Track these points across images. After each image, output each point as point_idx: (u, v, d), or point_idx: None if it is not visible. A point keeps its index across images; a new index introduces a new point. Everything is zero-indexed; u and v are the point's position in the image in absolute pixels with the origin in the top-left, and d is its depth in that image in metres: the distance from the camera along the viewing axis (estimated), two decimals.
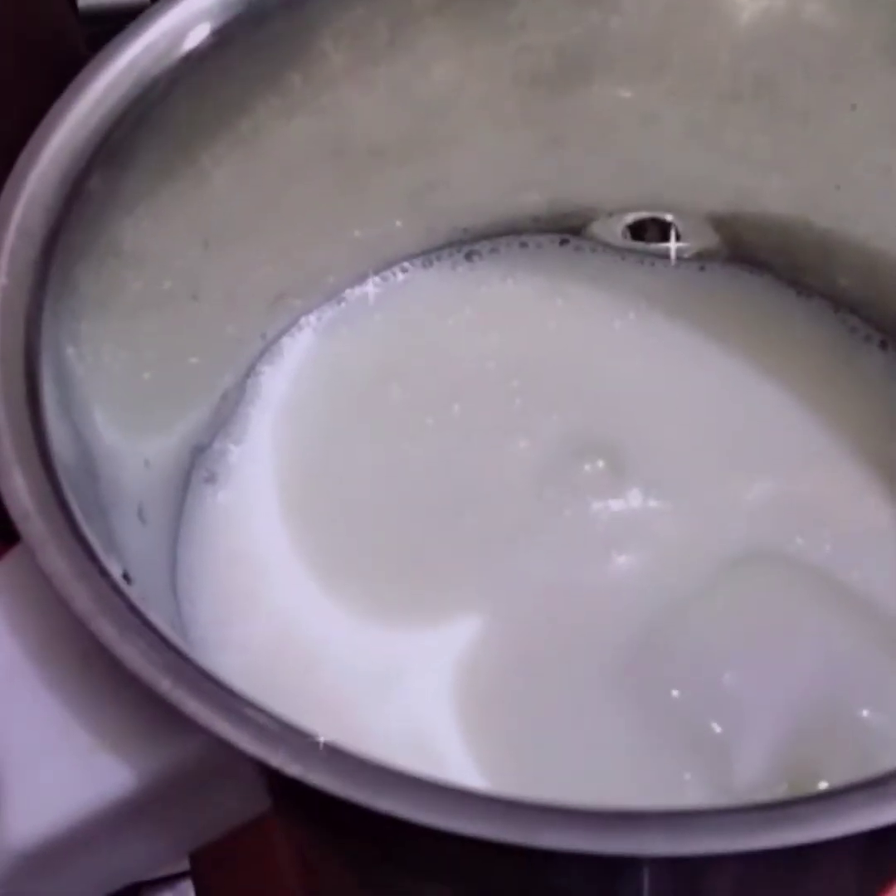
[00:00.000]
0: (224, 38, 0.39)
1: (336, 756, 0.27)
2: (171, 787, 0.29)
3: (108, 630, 0.28)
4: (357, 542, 0.43)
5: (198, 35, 0.38)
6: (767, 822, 0.25)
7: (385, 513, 0.44)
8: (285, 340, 0.47)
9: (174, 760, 0.29)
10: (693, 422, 0.46)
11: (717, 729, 0.38)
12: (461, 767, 0.39)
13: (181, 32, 0.38)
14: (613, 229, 0.50)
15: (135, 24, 0.38)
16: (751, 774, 0.38)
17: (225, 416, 0.45)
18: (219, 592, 0.42)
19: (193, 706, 0.27)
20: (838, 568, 0.41)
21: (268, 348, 0.47)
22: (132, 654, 0.28)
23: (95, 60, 0.37)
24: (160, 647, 0.28)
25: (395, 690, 0.41)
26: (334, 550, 0.43)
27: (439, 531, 0.44)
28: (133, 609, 0.29)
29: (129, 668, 0.28)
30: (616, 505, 0.44)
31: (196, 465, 0.44)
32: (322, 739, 0.27)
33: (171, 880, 0.51)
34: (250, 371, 0.46)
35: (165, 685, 0.28)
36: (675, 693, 0.39)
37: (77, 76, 0.37)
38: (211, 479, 0.44)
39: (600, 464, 0.44)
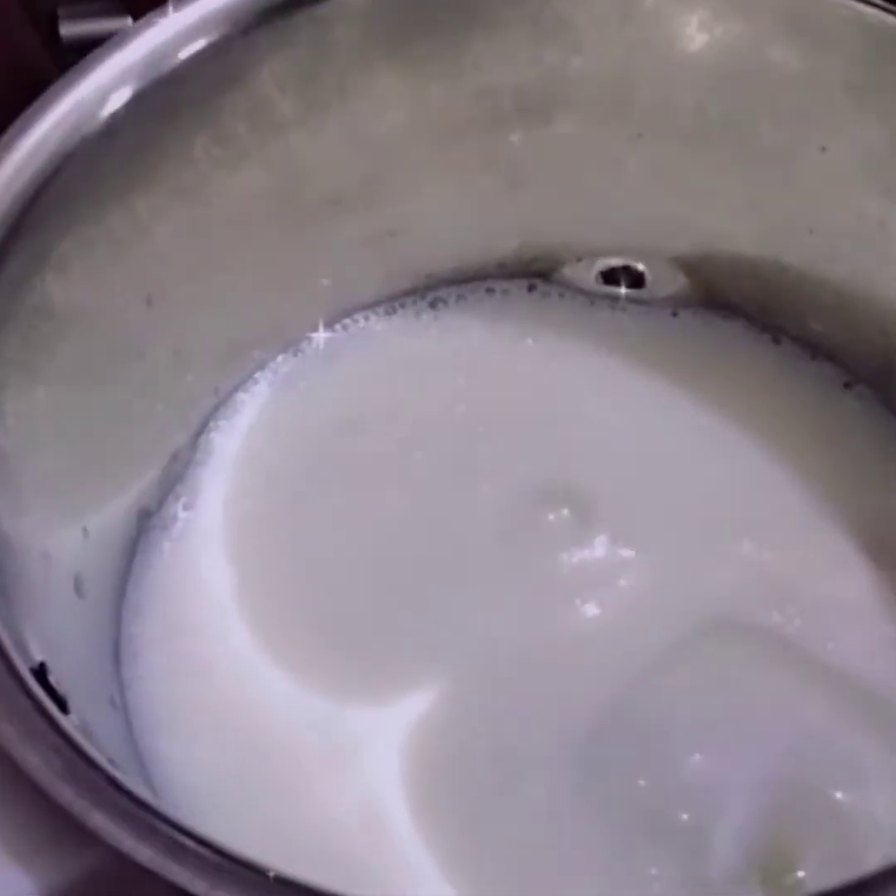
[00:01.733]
0: (158, 89, 0.37)
1: (243, 872, 0.25)
2: None
3: (9, 733, 0.27)
4: (312, 610, 0.42)
5: (126, 91, 0.36)
6: None
7: (342, 577, 0.43)
8: (240, 395, 0.46)
9: (81, 872, 0.27)
10: (663, 471, 0.44)
11: (685, 817, 0.36)
12: (413, 851, 0.38)
13: (111, 86, 0.37)
14: (583, 274, 0.48)
15: (63, 81, 0.36)
16: (723, 864, 0.36)
17: (175, 476, 0.44)
18: (164, 668, 0.40)
19: (97, 819, 0.26)
20: (811, 640, 0.40)
21: (221, 404, 0.45)
22: (33, 760, 0.26)
23: (21, 120, 0.35)
24: (65, 752, 0.27)
25: (348, 767, 0.39)
26: (288, 620, 0.42)
27: (398, 594, 0.42)
28: (40, 710, 0.28)
29: (29, 775, 0.26)
30: (582, 555, 0.42)
31: (142, 531, 0.42)
32: (231, 852, 0.25)
33: None
34: (203, 428, 0.45)
35: (67, 795, 0.26)
36: (641, 782, 0.37)
37: (1, 137, 0.35)
38: (157, 544, 0.42)
39: (566, 512, 0.43)
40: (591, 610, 0.41)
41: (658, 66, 0.42)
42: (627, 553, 0.42)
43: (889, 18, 0.38)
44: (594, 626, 0.41)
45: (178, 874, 0.25)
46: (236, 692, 0.40)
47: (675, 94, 0.42)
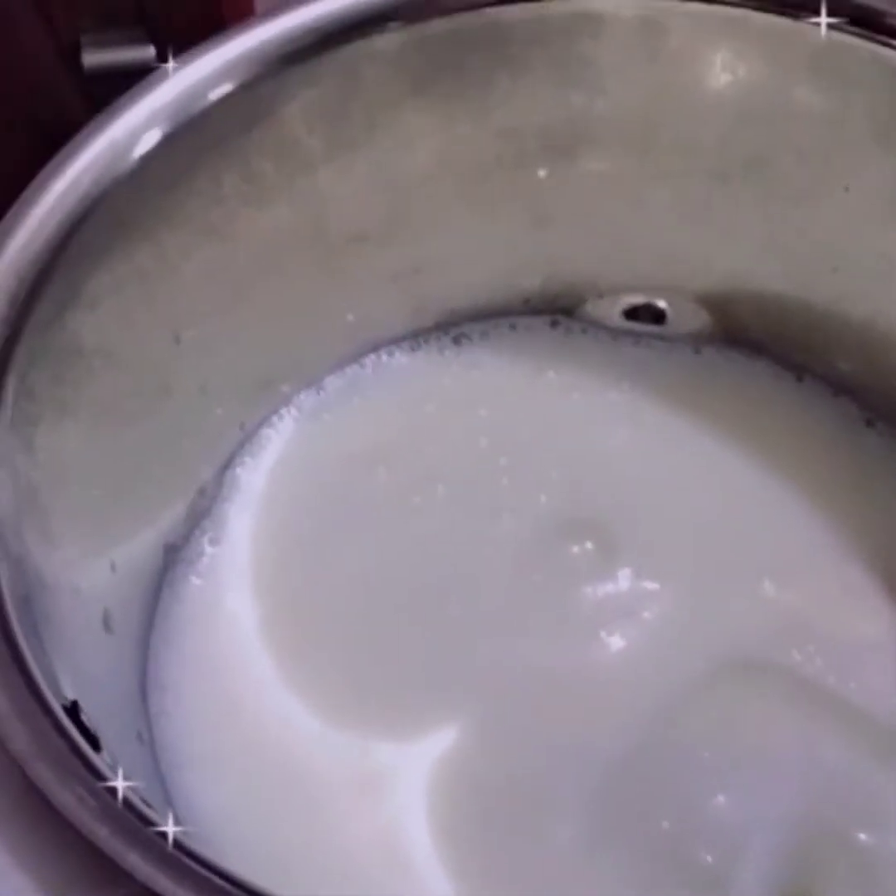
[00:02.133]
0: (188, 130, 0.38)
1: None
2: None
3: (45, 774, 0.27)
4: (337, 644, 0.42)
5: (156, 132, 0.37)
6: None
7: (367, 610, 0.43)
8: (265, 431, 0.46)
9: None
10: (685, 507, 0.44)
11: (709, 859, 0.36)
12: (435, 884, 0.38)
13: (142, 127, 0.37)
14: (607, 311, 0.48)
15: (95, 123, 0.36)
16: None
17: (201, 511, 0.44)
18: (191, 702, 0.41)
19: (132, 860, 0.26)
20: (831, 679, 0.40)
21: (247, 439, 0.46)
22: (67, 799, 0.27)
23: (53, 162, 0.36)
24: (99, 790, 0.27)
25: (372, 801, 0.40)
26: (313, 655, 0.42)
27: (422, 628, 0.42)
28: (74, 749, 0.28)
29: (65, 816, 0.26)
30: (606, 588, 0.42)
31: (169, 565, 0.43)
32: (266, 892, 0.26)
33: None
34: (229, 463, 0.45)
35: (103, 835, 0.26)
36: (664, 824, 0.37)
37: (34, 179, 0.35)
38: (184, 579, 0.43)
39: (589, 545, 0.43)
40: (616, 643, 0.41)
41: (682, 106, 0.42)
42: (651, 586, 0.42)
43: None
44: (618, 659, 0.41)
45: None
46: (262, 726, 0.40)
47: (699, 134, 0.43)
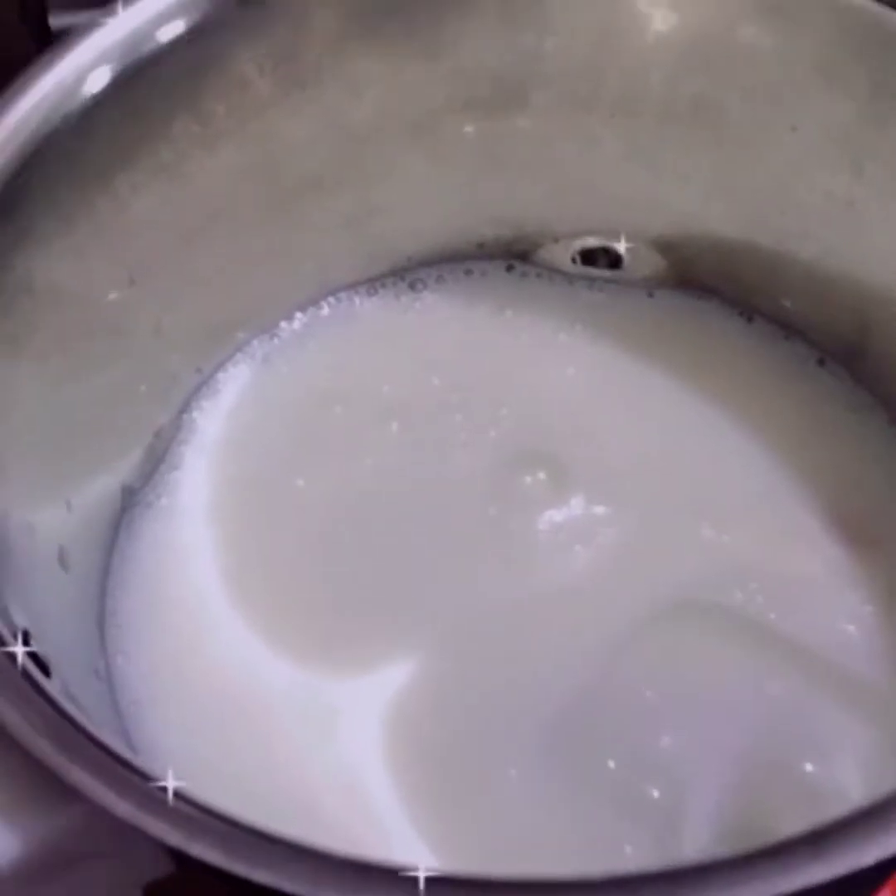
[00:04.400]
0: (138, 69, 0.38)
1: (219, 825, 0.26)
2: (62, 854, 0.28)
3: None
4: (293, 582, 0.42)
5: (105, 71, 0.37)
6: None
7: (323, 548, 0.43)
8: (221, 375, 0.46)
9: (62, 827, 0.28)
10: (636, 442, 0.45)
11: (656, 794, 0.37)
12: (390, 816, 0.38)
13: (91, 65, 0.37)
14: (561, 255, 0.49)
15: (43, 61, 0.37)
16: (697, 840, 0.36)
17: (158, 454, 0.44)
18: (148, 641, 0.41)
19: (76, 774, 0.26)
20: (775, 615, 0.40)
21: (204, 383, 0.46)
22: (13, 716, 0.27)
23: (2, 98, 0.36)
24: (45, 709, 0.27)
25: (328, 736, 0.40)
26: (269, 592, 0.42)
27: (378, 563, 0.43)
28: (22, 671, 0.28)
29: (9, 731, 0.27)
30: (559, 514, 0.43)
31: (126, 507, 0.43)
32: (207, 805, 0.26)
33: None
34: (185, 407, 0.45)
35: (47, 751, 0.27)
36: (611, 763, 0.38)
37: None
38: (142, 520, 0.43)
39: (541, 475, 0.43)
40: (569, 566, 0.42)
41: (630, 47, 0.42)
42: (603, 511, 0.43)
43: None
44: (569, 590, 0.41)
45: (155, 827, 0.25)
46: (219, 664, 0.41)
47: (647, 74, 0.43)
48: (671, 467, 0.43)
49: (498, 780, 0.38)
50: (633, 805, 0.37)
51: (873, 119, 0.40)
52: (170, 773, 0.27)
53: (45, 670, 0.30)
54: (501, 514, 0.43)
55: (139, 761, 0.27)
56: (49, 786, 0.27)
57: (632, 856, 0.36)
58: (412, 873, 0.24)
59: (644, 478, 0.43)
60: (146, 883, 0.28)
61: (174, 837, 0.25)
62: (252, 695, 0.40)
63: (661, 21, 0.41)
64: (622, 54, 0.43)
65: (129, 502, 0.43)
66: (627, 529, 0.42)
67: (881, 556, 0.41)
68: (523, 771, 0.38)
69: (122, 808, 0.26)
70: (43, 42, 0.46)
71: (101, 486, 0.42)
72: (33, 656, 0.30)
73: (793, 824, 0.36)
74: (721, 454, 0.44)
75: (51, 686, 0.29)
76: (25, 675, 0.28)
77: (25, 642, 0.30)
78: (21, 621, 0.31)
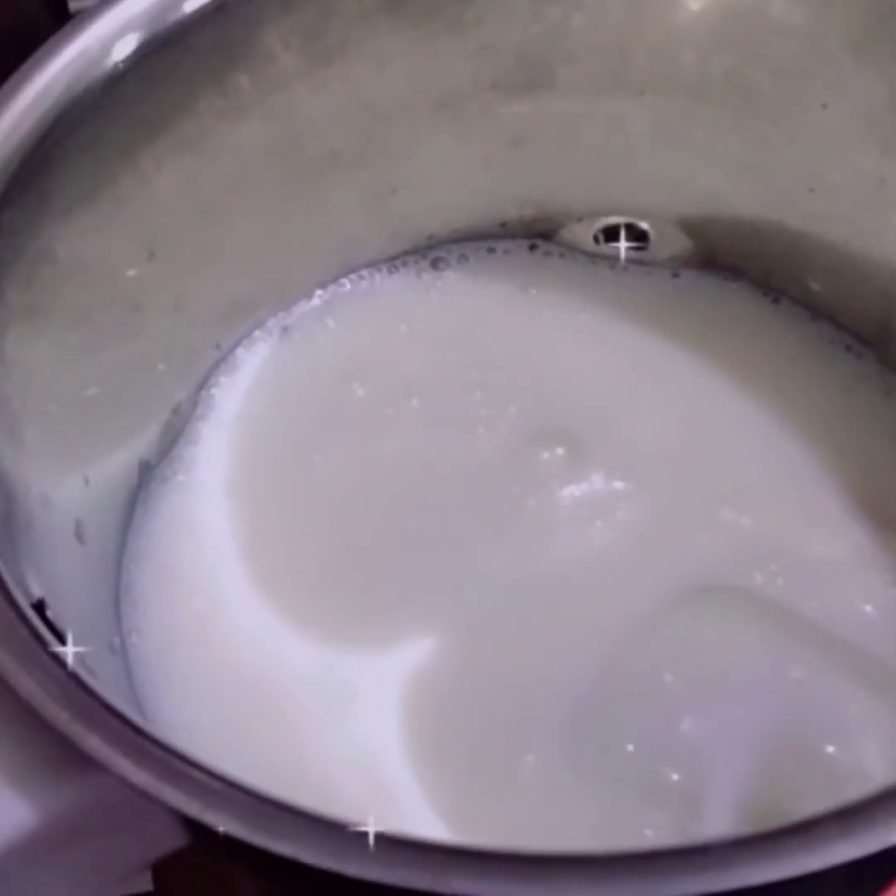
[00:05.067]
0: (162, 40, 0.37)
1: (237, 795, 0.25)
2: (78, 824, 0.28)
3: (6, 658, 0.27)
4: (311, 559, 0.42)
5: (130, 41, 0.36)
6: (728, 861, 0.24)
7: (341, 525, 0.43)
8: (240, 351, 0.46)
9: (78, 797, 0.27)
10: (657, 422, 0.44)
11: (676, 777, 0.37)
12: (409, 797, 0.38)
13: (115, 35, 0.37)
14: (584, 234, 0.48)
15: (67, 29, 0.36)
16: (718, 823, 0.36)
17: (176, 430, 0.44)
18: (164, 616, 0.41)
19: (93, 743, 0.26)
20: (794, 599, 0.40)
21: (222, 359, 0.46)
22: (30, 684, 0.27)
23: (24, 68, 0.36)
24: (61, 677, 0.27)
25: (347, 712, 0.40)
26: (287, 569, 0.42)
27: (398, 540, 0.42)
28: (38, 638, 0.28)
29: (24, 699, 0.26)
30: (579, 489, 0.43)
31: (143, 482, 0.43)
32: (225, 776, 0.26)
33: None
34: (204, 383, 0.45)
35: (64, 719, 0.26)
36: (630, 747, 0.37)
37: (4, 84, 0.35)
38: (158, 496, 0.43)
39: (560, 451, 0.43)
40: (589, 541, 0.42)
41: (659, 24, 0.42)
42: (621, 486, 0.42)
43: None
44: (591, 559, 0.41)
45: (172, 796, 0.25)
46: (236, 642, 0.41)
47: (677, 52, 0.42)
48: (692, 447, 0.43)
49: (516, 762, 0.38)
50: (653, 788, 0.37)
51: None
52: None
53: (62, 640, 0.30)
54: (522, 491, 0.42)
55: (156, 731, 0.26)
56: (65, 755, 0.26)
57: (653, 839, 0.36)
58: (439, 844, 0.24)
59: (664, 457, 0.43)
60: (163, 854, 0.28)
61: (192, 807, 0.25)
62: (268, 673, 0.40)
63: None
64: (651, 31, 0.42)
65: (147, 477, 0.43)
66: (647, 507, 0.42)
67: None
68: (542, 753, 0.38)
69: (140, 776, 0.25)
70: (61, 23, 0.46)
71: (119, 461, 0.42)
72: (50, 625, 0.30)
73: (815, 807, 0.35)
74: (744, 436, 0.44)
75: (67, 655, 0.28)
76: (42, 642, 0.28)
77: (42, 611, 0.30)
78: (38, 591, 0.31)
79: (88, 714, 0.26)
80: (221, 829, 0.24)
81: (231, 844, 0.25)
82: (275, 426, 0.45)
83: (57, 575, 0.35)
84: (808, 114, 0.42)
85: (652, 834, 0.36)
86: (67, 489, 0.38)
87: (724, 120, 0.43)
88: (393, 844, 0.25)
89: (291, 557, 0.42)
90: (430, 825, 0.37)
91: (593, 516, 0.42)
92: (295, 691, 0.40)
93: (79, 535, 0.38)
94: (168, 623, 0.41)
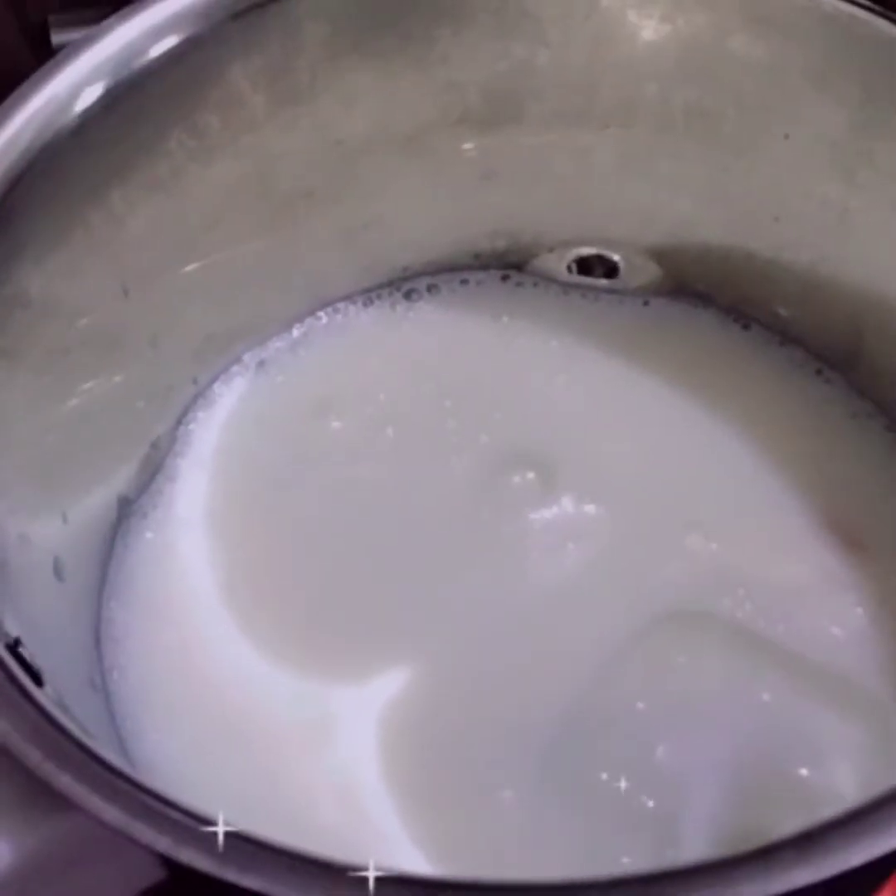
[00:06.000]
0: (131, 85, 0.38)
1: (208, 830, 0.26)
2: (53, 862, 0.28)
3: None
4: (289, 590, 0.43)
5: (99, 87, 0.37)
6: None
7: (319, 557, 0.43)
8: (217, 386, 0.46)
9: (53, 835, 0.28)
10: (629, 447, 0.45)
11: (651, 804, 0.37)
12: (388, 825, 0.38)
13: (84, 81, 0.37)
14: (556, 265, 0.49)
15: (36, 77, 0.37)
16: (694, 849, 0.36)
17: (155, 465, 0.44)
18: (145, 651, 0.41)
19: (64, 781, 0.26)
20: (763, 623, 0.40)
21: (200, 394, 0.46)
22: (2, 724, 0.27)
23: None
24: (34, 717, 0.27)
25: (326, 743, 0.40)
26: (265, 601, 0.42)
27: (374, 571, 0.43)
28: (10, 678, 0.28)
29: None
30: (549, 513, 0.43)
31: (122, 518, 0.43)
32: (196, 811, 0.26)
33: None
34: (182, 418, 0.46)
35: (35, 758, 0.27)
36: (604, 776, 0.38)
37: None
38: (138, 531, 0.43)
39: (530, 475, 0.44)
40: (560, 565, 0.42)
41: (623, 58, 0.43)
42: (591, 509, 0.43)
43: (844, 6, 0.39)
44: (563, 584, 0.42)
45: (143, 833, 0.25)
46: (215, 674, 0.41)
47: (640, 85, 0.43)
48: (662, 472, 0.44)
49: (493, 791, 0.38)
50: (629, 815, 0.37)
51: (865, 126, 0.40)
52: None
53: (37, 679, 0.30)
54: (493, 517, 0.43)
55: (128, 768, 0.27)
56: (39, 794, 0.27)
57: (630, 866, 0.36)
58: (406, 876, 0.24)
59: (634, 482, 0.43)
60: (138, 891, 0.28)
61: (163, 843, 0.25)
62: (248, 705, 0.41)
63: (652, 32, 0.42)
64: (614, 66, 0.43)
65: (125, 513, 0.43)
66: (617, 531, 0.42)
67: (872, 561, 0.41)
68: (518, 782, 0.38)
69: (111, 814, 0.26)
70: (44, 59, 0.47)
71: (97, 498, 0.42)
72: (25, 665, 0.30)
73: (791, 829, 0.36)
74: (713, 460, 0.44)
75: (41, 695, 0.29)
76: (14, 682, 0.28)
77: (16, 651, 0.30)
78: (14, 630, 0.32)
79: (60, 753, 0.27)
80: (192, 864, 0.25)
81: (204, 880, 0.26)
82: (252, 459, 0.45)
83: (36, 613, 0.35)
84: (770, 144, 0.43)
85: (629, 861, 0.37)
86: (45, 527, 0.38)
87: (689, 151, 0.44)
88: (361, 879, 0.25)
89: (270, 590, 0.42)
90: (407, 852, 0.38)
91: (565, 539, 0.42)
92: (274, 723, 0.40)
93: (57, 572, 0.38)
94: (148, 658, 0.41)
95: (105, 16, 0.39)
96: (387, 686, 0.41)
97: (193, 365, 0.46)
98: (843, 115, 0.41)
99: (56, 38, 0.49)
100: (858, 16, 0.39)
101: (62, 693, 0.33)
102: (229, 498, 0.45)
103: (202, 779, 0.39)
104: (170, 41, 0.39)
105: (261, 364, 0.47)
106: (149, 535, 0.43)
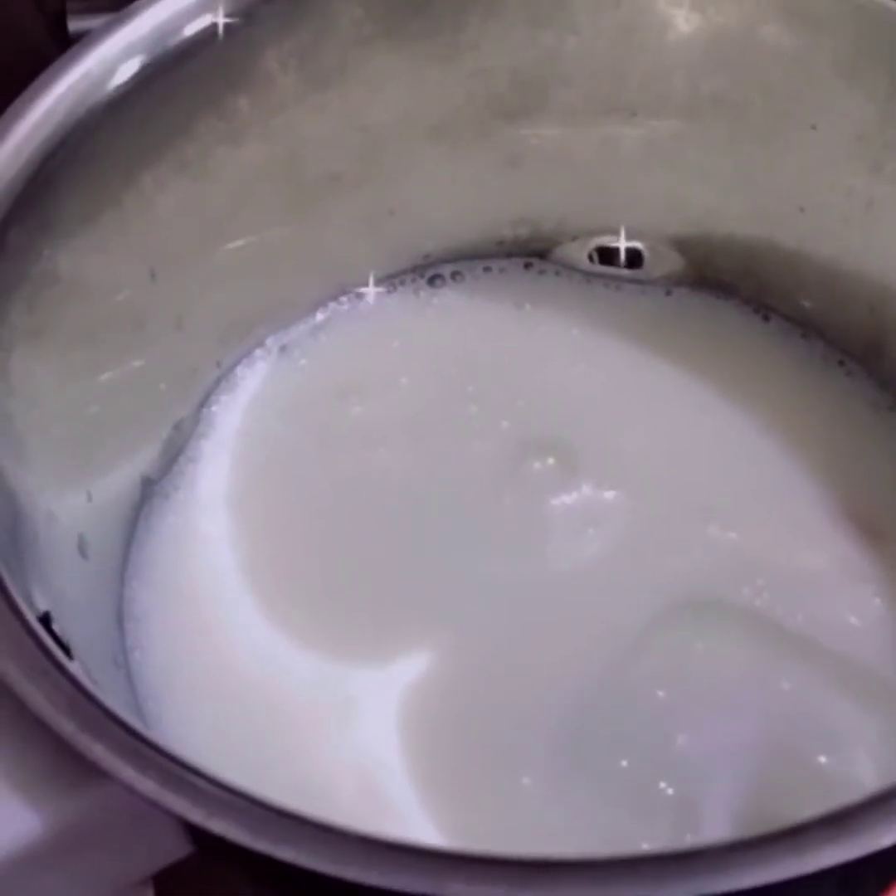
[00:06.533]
0: (163, 64, 0.38)
1: (240, 802, 0.26)
2: (83, 833, 0.28)
3: (12, 670, 0.28)
4: (311, 572, 0.43)
5: (132, 65, 0.37)
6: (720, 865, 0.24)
7: (339, 538, 0.43)
8: (240, 369, 0.46)
9: (84, 806, 0.28)
10: (650, 435, 0.45)
11: (671, 792, 0.37)
12: (408, 806, 0.38)
13: (117, 60, 0.37)
14: (579, 253, 0.49)
15: (70, 54, 0.37)
16: (713, 837, 0.36)
17: (178, 447, 0.45)
18: (167, 631, 0.41)
19: (98, 751, 0.27)
20: (782, 612, 0.40)
21: (224, 377, 0.46)
22: (36, 696, 0.27)
23: (29, 91, 0.36)
24: (67, 689, 0.28)
25: (348, 723, 0.40)
26: (287, 583, 0.42)
27: (396, 553, 0.43)
28: (44, 650, 0.28)
29: (32, 710, 0.27)
30: (569, 498, 0.43)
31: (145, 498, 0.43)
32: (228, 784, 0.26)
33: None
34: (205, 401, 0.46)
35: (69, 729, 0.27)
36: (624, 763, 0.38)
37: (10, 107, 0.36)
38: (160, 512, 0.43)
39: (551, 460, 0.44)
40: (581, 550, 0.42)
41: (651, 46, 0.43)
42: (611, 495, 0.43)
43: None
44: (583, 568, 0.42)
45: (176, 803, 0.26)
46: (237, 654, 0.41)
47: (668, 74, 0.43)
48: (682, 461, 0.44)
49: (512, 775, 0.38)
50: (649, 802, 0.37)
51: (893, 118, 0.40)
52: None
53: (68, 652, 0.30)
54: (514, 502, 0.43)
55: (161, 739, 0.27)
56: (71, 764, 0.27)
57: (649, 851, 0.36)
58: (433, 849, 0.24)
59: (654, 470, 0.43)
60: (163, 866, 0.29)
61: (196, 814, 0.25)
62: (269, 686, 0.41)
63: (682, 21, 0.42)
64: (643, 54, 0.43)
65: (148, 493, 0.43)
66: (637, 518, 0.42)
67: (891, 551, 0.42)
68: (538, 767, 0.39)
69: (145, 785, 0.26)
70: (63, 47, 0.47)
71: (121, 477, 0.42)
72: (56, 638, 0.30)
73: (809, 815, 0.36)
74: (733, 450, 0.44)
75: (73, 667, 0.29)
76: (47, 654, 0.28)
77: (48, 624, 0.31)
78: (44, 605, 0.32)
79: (94, 724, 0.27)
80: (225, 834, 0.25)
81: (234, 851, 0.26)
82: (274, 442, 0.45)
83: (61, 590, 0.35)
84: (797, 134, 0.43)
85: (648, 847, 0.37)
86: (71, 505, 0.38)
87: (715, 140, 0.44)
88: (393, 850, 0.25)
89: (291, 571, 0.43)
90: (427, 835, 0.38)
91: (585, 525, 0.42)
92: (296, 703, 0.40)
93: (82, 550, 0.39)
94: (170, 638, 0.41)
95: (120, 4, 0.39)
96: (408, 669, 0.41)
97: (217, 348, 0.46)
98: (872, 106, 0.41)
99: (73, 25, 0.49)
100: (889, 6, 0.39)
101: (87, 668, 0.33)
102: (251, 480, 0.45)
103: (222, 758, 0.39)
104: (203, 21, 0.39)
105: (283, 348, 0.47)
106: (171, 515, 0.43)
